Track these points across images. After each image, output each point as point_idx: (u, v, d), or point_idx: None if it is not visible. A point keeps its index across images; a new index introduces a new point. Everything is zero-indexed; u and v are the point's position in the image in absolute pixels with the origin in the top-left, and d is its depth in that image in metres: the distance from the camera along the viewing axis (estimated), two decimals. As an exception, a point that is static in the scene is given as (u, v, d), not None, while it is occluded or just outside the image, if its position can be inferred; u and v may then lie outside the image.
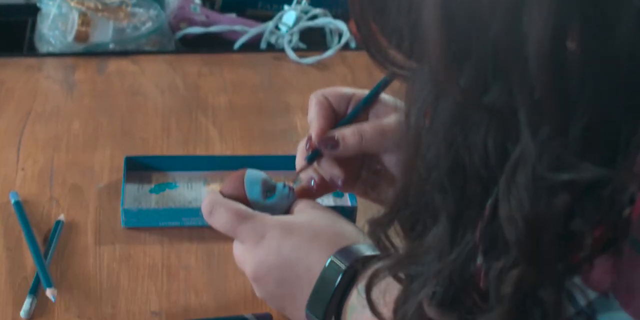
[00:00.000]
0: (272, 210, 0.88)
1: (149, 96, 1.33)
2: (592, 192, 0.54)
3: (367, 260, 0.80)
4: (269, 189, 0.89)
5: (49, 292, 0.91)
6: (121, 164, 1.12)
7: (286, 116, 1.30)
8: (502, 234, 0.56)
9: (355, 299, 0.78)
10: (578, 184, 0.53)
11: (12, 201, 1.06)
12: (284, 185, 0.89)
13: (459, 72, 0.54)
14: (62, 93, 1.33)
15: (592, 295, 0.58)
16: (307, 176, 0.91)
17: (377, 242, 0.69)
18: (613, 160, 0.53)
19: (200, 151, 1.20)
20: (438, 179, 0.59)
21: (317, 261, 0.81)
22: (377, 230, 0.69)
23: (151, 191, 1.10)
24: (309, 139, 0.90)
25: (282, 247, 0.83)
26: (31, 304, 0.90)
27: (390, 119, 0.90)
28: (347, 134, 0.89)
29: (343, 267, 0.79)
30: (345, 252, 0.81)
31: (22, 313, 0.90)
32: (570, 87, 0.51)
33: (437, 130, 0.57)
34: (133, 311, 0.91)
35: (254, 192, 0.89)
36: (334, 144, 0.89)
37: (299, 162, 0.91)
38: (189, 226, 1.04)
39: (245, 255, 0.86)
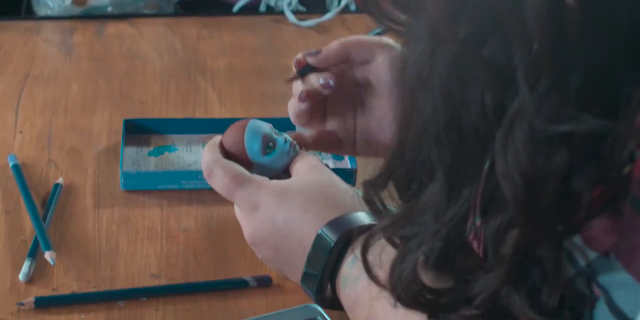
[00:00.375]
0: (271, 168, 0.87)
1: (147, 59, 1.33)
2: (591, 149, 0.53)
3: (359, 231, 0.79)
4: (269, 144, 0.88)
5: (48, 255, 0.91)
6: (120, 126, 1.12)
7: (285, 79, 1.29)
8: (500, 193, 0.56)
9: (347, 272, 0.78)
10: (576, 137, 0.53)
11: (11, 164, 1.06)
12: (285, 141, 0.88)
13: (457, 25, 0.53)
14: (60, 56, 1.33)
15: (592, 255, 0.58)
16: (297, 90, 0.92)
17: (372, 206, 0.69)
18: (613, 115, 0.52)
19: (199, 114, 1.19)
20: (435, 134, 0.58)
21: (308, 233, 0.81)
22: (371, 191, 0.68)
23: (150, 154, 1.09)
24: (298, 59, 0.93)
25: (276, 218, 0.82)
26: (30, 267, 0.90)
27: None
28: (330, 43, 0.92)
29: (332, 240, 0.79)
30: (335, 224, 0.80)
31: (20, 276, 0.89)
32: (568, 40, 0.51)
33: (434, 84, 0.57)
34: (132, 274, 0.91)
35: (253, 148, 0.88)
36: (318, 50, 0.91)
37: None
38: (188, 189, 1.03)
39: (243, 221, 0.86)
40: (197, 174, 1.03)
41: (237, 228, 0.96)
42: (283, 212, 0.82)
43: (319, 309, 0.84)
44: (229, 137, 0.89)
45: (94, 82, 1.26)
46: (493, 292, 0.61)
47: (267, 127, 0.89)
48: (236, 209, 0.88)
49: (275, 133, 0.89)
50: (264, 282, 0.90)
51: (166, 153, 1.09)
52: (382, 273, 0.67)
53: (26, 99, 1.21)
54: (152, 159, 1.08)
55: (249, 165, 0.87)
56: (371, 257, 0.69)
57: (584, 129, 0.52)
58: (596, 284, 0.58)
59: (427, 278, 0.64)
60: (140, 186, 1.03)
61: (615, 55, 0.51)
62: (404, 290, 0.65)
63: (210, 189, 1.01)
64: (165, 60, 1.32)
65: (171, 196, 1.03)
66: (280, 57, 1.35)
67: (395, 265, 0.65)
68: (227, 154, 0.88)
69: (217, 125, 1.12)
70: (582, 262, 0.59)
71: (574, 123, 0.52)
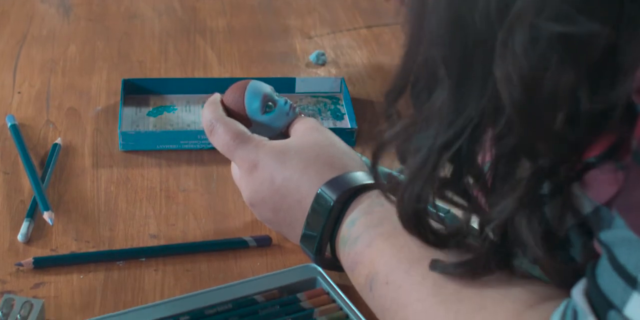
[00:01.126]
0: (270, 126, 0.88)
1: (146, 19, 1.32)
2: (594, 67, 0.53)
3: (357, 191, 0.79)
4: (269, 104, 0.88)
5: (47, 216, 0.91)
6: (118, 87, 1.11)
7: (285, 39, 1.28)
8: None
9: (347, 232, 0.78)
10: (574, 41, 0.52)
11: (9, 124, 1.05)
12: (286, 102, 0.89)
13: None
14: (58, 17, 1.32)
15: (592, 205, 0.58)
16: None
17: (388, 117, 0.69)
18: (616, 29, 0.52)
19: (199, 74, 1.18)
20: (443, 35, 0.58)
21: (307, 193, 0.81)
22: (388, 99, 0.68)
23: (149, 114, 1.09)
24: None
25: (274, 178, 0.82)
26: (28, 228, 0.90)
27: None
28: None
29: (331, 199, 0.78)
30: (334, 183, 0.80)
31: (19, 236, 0.89)
32: None
33: None
34: (131, 234, 0.91)
35: (253, 106, 0.89)
36: None
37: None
38: (187, 149, 1.03)
39: (241, 181, 0.87)
40: (196, 134, 1.02)
41: (237, 188, 0.96)
42: (282, 172, 0.82)
43: (319, 268, 0.84)
44: (229, 95, 0.90)
45: (93, 42, 1.25)
46: (507, 218, 0.60)
47: (268, 88, 0.90)
48: (233, 171, 0.88)
49: (277, 95, 0.90)
50: (264, 242, 0.90)
51: (165, 113, 1.09)
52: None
53: (24, 60, 1.20)
54: (151, 119, 1.08)
55: (248, 123, 0.88)
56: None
57: (581, 31, 0.52)
58: (597, 240, 0.58)
59: (438, 194, 0.64)
60: (139, 146, 1.02)
61: None
62: (413, 211, 0.66)
63: (210, 149, 1.02)
64: (164, 20, 1.31)
65: (170, 156, 1.02)
66: (280, 16, 1.34)
67: (407, 184, 0.65)
68: (227, 112, 0.89)
69: (216, 85, 1.11)
70: (584, 210, 0.59)
71: (571, 24, 0.52)
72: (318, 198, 0.79)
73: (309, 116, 0.92)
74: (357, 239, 0.76)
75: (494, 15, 0.55)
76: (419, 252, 0.71)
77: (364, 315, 0.79)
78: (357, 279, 0.76)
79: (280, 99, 0.89)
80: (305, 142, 0.85)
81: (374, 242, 0.74)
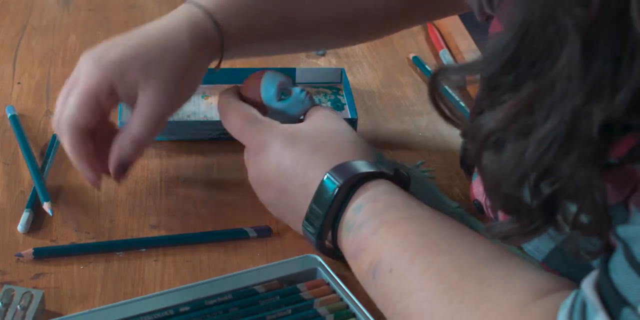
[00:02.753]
0: (285, 114, 0.89)
1: (146, 9, 1.32)
2: None
3: (364, 178, 0.79)
4: (284, 92, 0.89)
5: (47, 206, 0.91)
6: (118, 77, 1.11)
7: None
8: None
9: (352, 217, 0.77)
10: None
11: (9, 115, 1.05)
12: (302, 90, 0.89)
13: None
14: (58, 7, 1.32)
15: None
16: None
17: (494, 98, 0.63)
18: None
19: (199, 64, 1.18)
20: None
21: (314, 177, 0.81)
22: (494, 76, 0.62)
23: (149, 105, 1.08)
24: None
25: (282, 159, 0.83)
26: (28, 218, 0.90)
27: None
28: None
29: (338, 183, 0.78)
30: (341, 168, 0.80)
31: (19, 227, 0.89)
32: None
33: None
34: (131, 225, 0.91)
35: (269, 93, 0.90)
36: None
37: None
38: (187, 140, 1.03)
39: (249, 161, 0.87)
40: (196, 125, 1.02)
41: (237, 179, 0.96)
42: (290, 154, 0.82)
43: (319, 259, 0.84)
44: (246, 84, 0.92)
45: (93, 32, 1.25)
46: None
47: (284, 77, 0.92)
48: (245, 151, 0.88)
49: (293, 85, 0.92)
50: (264, 233, 0.90)
51: (165, 104, 1.08)
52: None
53: (24, 50, 1.20)
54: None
55: (264, 110, 0.90)
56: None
57: None
58: (614, 234, 0.57)
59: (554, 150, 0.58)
60: (139, 137, 1.02)
61: None
62: (512, 189, 0.61)
63: (210, 140, 1.02)
64: (165, 10, 1.30)
65: (171, 147, 1.02)
66: (281, 6, 1.34)
67: (506, 163, 0.60)
68: (244, 100, 0.91)
69: (217, 76, 1.11)
70: None
71: None
72: (324, 182, 0.79)
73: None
74: (361, 226, 0.76)
75: None
76: (424, 241, 0.71)
77: (364, 306, 0.79)
78: (360, 266, 0.76)
79: (296, 88, 0.90)
80: (317, 128, 0.85)
81: (379, 229, 0.74)
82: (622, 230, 0.57)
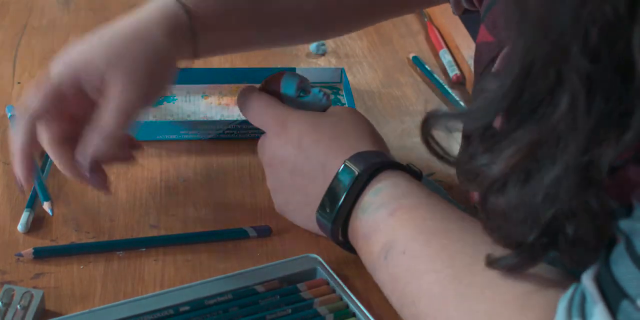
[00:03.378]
0: (304, 109, 0.89)
1: (146, 9, 1.31)
2: None
3: (384, 166, 0.79)
4: (304, 90, 0.89)
5: (47, 206, 0.91)
6: (118, 77, 1.11)
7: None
8: None
9: (369, 200, 0.78)
10: None
11: (9, 115, 1.05)
12: (320, 90, 0.89)
13: None
14: (58, 7, 1.32)
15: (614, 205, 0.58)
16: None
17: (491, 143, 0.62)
18: None
19: (199, 64, 1.17)
20: (575, 42, 0.53)
21: (333, 159, 0.81)
22: (486, 120, 0.62)
23: (149, 105, 1.08)
24: None
25: (302, 139, 0.83)
26: (28, 218, 0.90)
27: None
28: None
29: (358, 170, 0.79)
30: (364, 154, 0.80)
31: (19, 227, 0.89)
32: None
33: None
34: (131, 225, 0.91)
35: (289, 91, 0.90)
36: None
37: None
38: (187, 139, 1.03)
39: (265, 142, 0.87)
40: (196, 124, 1.02)
41: (237, 178, 0.96)
42: (311, 135, 0.83)
43: (319, 258, 0.84)
44: (265, 82, 0.92)
45: (93, 32, 1.24)
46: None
47: (303, 78, 0.91)
48: (261, 137, 0.88)
49: (311, 85, 0.91)
50: (264, 233, 0.90)
51: (165, 103, 1.09)
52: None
53: (24, 50, 1.20)
54: (151, 109, 1.07)
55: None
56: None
57: None
58: (617, 227, 0.58)
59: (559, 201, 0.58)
60: (139, 137, 1.02)
61: None
62: (517, 228, 0.61)
63: (210, 140, 1.02)
64: (164, 10, 1.31)
65: (170, 147, 1.02)
66: (281, 6, 1.33)
67: (517, 205, 0.60)
68: None
69: (217, 75, 1.11)
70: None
71: None
72: (345, 166, 0.79)
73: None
74: (379, 207, 0.76)
75: (622, 7, 0.51)
76: (441, 227, 0.72)
77: (364, 305, 0.79)
78: (372, 247, 0.76)
79: (314, 88, 0.90)
80: (339, 118, 0.85)
81: (397, 212, 0.75)
82: (625, 224, 0.57)
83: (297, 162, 0.83)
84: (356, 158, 0.80)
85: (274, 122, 0.86)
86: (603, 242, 0.59)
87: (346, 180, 0.79)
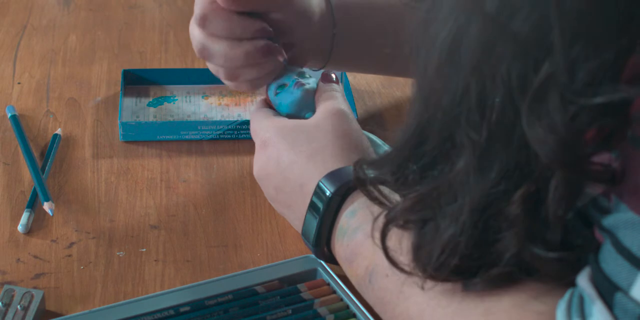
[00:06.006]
0: (280, 105, 0.89)
1: (146, 9, 1.31)
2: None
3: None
4: (281, 85, 0.90)
5: (47, 206, 0.91)
6: (119, 77, 1.11)
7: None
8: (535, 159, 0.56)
9: (346, 222, 0.77)
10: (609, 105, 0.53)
11: (9, 115, 1.05)
12: (294, 81, 0.89)
13: None
14: (58, 7, 1.31)
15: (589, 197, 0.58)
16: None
17: (368, 193, 0.70)
18: None
19: (199, 64, 1.18)
20: (465, 110, 0.57)
21: (309, 180, 0.81)
22: (379, 173, 0.68)
23: (149, 105, 1.08)
24: None
25: (281, 158, 0.83)
26: (29, 218, 0.90)
27: None
28: None
29: (330, 191, 0.78)
30: (336, 174, 0.79)
31: (19, 227, 0.89)
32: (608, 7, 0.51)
33: (463, 61, 0.56)
34: (132, 225, 0.91)
35: (270, 90, 0.91)
36: None
37: None
38: (187, 140, 1.03)
39: (255, 155, 0.88)
40: (196, 125, 1.02)
41: (237, 179, 0.97)
42: (289, 155, 0.83)
43: (319, 259, 0.84)
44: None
45: (93, 32, 1.25)
46: (517, 251, 0.60)
47: (293, 72, 0.91)
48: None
49: (305, 75, 0.91)
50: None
51: (165, 104, 1.09)
52: (405, 259, 0.66)
53: (24, 50, 1.20)
54: (151, 109, 1.08)
55: (273, 108, 0.91)
56: (390, 243, 0.67)
57: (616, 99, 0.52)
58: (599, 227, 0.58)
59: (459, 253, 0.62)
60: (140, 137, 1.02)
61: None
62: (437, 270, 0.63)
63: (210, 140, 1.02)
64: (165, 10, 1.31)
65: (170, 147, 1.02)
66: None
67: (421, 247, 0.64)
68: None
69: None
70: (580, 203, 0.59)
71: (608, 93, 0.52)
72: (318, 188, 0.79)
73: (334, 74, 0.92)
74: (357, 230, 0.76)
75: (516, 87, 0.54)
76: None
77: (364, 306, 0.79)
78: (356, 271, 0.76)
79: (293, 78, 0.90)
80: (320, 128, 0.84)
81: (375, 233, 0.74)
82: (607, 221, 0.57)
83: (279, 180, 0.83)
84: (329, 178, 0.79)
85: (258, 139, 0.86)
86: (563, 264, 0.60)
87: (320, 203, 0.79)
